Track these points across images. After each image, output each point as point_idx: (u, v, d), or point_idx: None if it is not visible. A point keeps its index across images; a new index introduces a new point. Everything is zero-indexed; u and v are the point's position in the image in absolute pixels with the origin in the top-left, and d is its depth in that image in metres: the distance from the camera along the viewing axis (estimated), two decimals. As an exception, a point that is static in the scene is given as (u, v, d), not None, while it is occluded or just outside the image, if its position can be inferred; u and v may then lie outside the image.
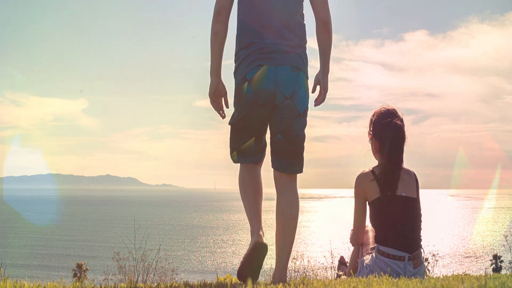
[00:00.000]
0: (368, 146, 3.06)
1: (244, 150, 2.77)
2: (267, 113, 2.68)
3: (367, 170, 2.92)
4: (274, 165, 2.76)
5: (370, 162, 3.02)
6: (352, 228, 3.03)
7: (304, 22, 2.75)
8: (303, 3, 2.74)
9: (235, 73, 2.73)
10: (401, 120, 2.96)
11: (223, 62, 2.81)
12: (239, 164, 2.85)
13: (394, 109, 3.00)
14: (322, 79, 2.81)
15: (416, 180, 2.94)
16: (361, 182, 2.90)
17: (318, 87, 2.84)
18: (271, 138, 2.77)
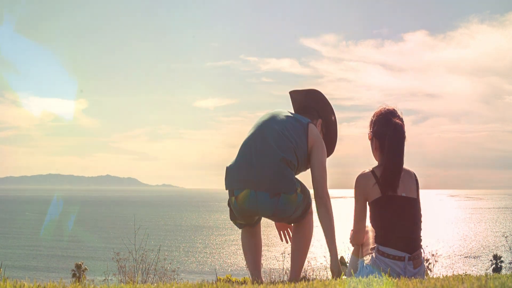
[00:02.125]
0: (369, 146, 3.06)
1: (239, 223, 3.11)
2: (257, 217, 3.04)
3: (367, 170, 2.92)
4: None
5: (370, 162, 3.03)
6: (352, 228, 3.02)
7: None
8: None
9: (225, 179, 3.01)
10: (401, 120, 2.97)
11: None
12: None
13: (394, 109, 3.01)
14: (332, 267, 2.99)
15: (416, 180, 2.94)
16: (362, 182, 2.90)
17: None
18: None
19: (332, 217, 2.99)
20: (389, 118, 2.94)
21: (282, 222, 3.10)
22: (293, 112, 3.17)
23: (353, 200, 2.97)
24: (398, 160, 2.87)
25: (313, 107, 3.20)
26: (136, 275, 6.29)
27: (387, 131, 2.89)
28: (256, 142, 2.90)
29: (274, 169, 2.80)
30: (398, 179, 2.84)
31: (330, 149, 3.24)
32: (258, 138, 2.91)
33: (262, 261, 3.23)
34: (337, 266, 2.97)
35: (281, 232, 3.37)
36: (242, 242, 3.17)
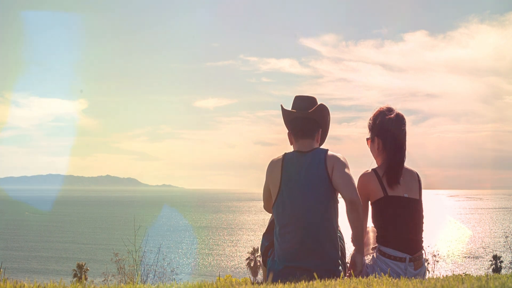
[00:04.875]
0: (367, 148, 3.06)
1: None
2: None
3: (369, 170, 2.92)
4: None
5: (370, 162, 3.03)
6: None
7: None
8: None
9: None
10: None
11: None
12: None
13: (390, 107, 3.02)
14: (354, 258, 2.84)
15: (419, 181, 2.94)
16: (364, 182, 2.90)
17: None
18: None
19: (363, 223, 2.89)
20: (387, 115, 2.95)
21: None
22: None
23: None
24: (400, 155, 2.88)
25: (318, 120, 3.14)
26: (136, 275, 6.28)
27: (389, 126, 2.91)
28: (299, 242, 2.81)
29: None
30: (401, 168, 2.85)
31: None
32: (299, 235, 2.81)
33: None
34: (360, 259, 2.81)
35: None
36: None
